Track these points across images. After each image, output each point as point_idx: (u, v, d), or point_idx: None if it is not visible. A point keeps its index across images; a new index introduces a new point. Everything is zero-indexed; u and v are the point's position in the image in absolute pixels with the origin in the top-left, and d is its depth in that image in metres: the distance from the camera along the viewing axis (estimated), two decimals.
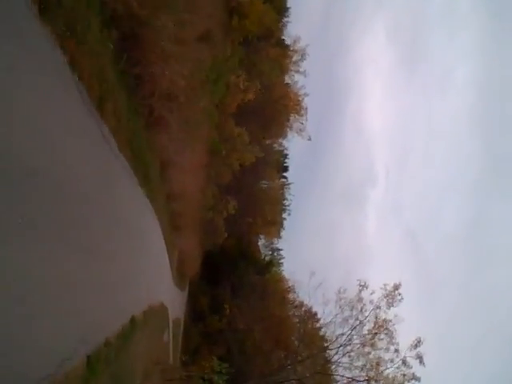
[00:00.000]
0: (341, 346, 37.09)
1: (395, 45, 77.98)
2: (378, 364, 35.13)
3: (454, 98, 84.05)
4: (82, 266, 6.36)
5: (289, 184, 52.30)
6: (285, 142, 52.37)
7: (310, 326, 41.79)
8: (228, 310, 43.58)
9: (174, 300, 27.54)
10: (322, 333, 40.48)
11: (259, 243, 60.49)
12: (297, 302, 44.68)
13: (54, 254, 5.12)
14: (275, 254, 63.30)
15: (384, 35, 78.46)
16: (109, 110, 7.69)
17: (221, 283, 47.25)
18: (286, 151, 56.52)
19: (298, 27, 43.51)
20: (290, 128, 43.48)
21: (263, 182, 53.19)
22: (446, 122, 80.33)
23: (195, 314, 43.06)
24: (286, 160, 58.24)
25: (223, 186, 39.64)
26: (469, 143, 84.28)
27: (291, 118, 43.21)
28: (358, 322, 37.75)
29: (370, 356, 35.54)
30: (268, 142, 46.20)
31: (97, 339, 7.59)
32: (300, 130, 43.19)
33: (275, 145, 52.89)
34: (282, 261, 62.82)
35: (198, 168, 26.58)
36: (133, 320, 11.57)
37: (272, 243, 62.14)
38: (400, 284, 38.19)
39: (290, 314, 44.70)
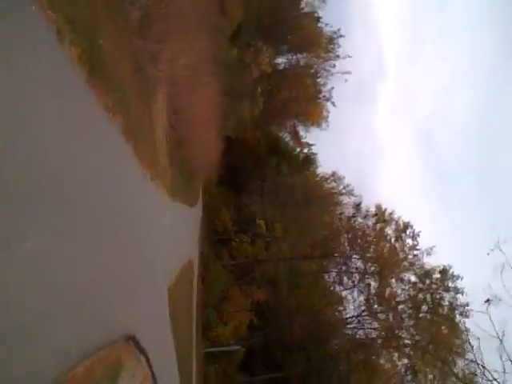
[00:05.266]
0: None
1: None
2: None
3: None
4: None
5: (340, 36, 34.25)
6: None
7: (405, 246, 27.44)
8: (264, 227, 29.30)
9: (173, 241, 13.06)
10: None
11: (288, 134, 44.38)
12: (372, 211, 29.70)
13: None
14: (307, 149, 46.82)
15: None
16: None
17: (247, 188, 32.44)
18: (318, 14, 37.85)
19: None
20: None
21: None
22: (459, 11, 63.31)
23: (217, 235, 28.69)
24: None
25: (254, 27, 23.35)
26: (482, 32, 67.73)
27: None
28: None
29: None
30: None
31: None
32: None
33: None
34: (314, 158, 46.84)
35: None
36: None
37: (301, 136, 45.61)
38: None
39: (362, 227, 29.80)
